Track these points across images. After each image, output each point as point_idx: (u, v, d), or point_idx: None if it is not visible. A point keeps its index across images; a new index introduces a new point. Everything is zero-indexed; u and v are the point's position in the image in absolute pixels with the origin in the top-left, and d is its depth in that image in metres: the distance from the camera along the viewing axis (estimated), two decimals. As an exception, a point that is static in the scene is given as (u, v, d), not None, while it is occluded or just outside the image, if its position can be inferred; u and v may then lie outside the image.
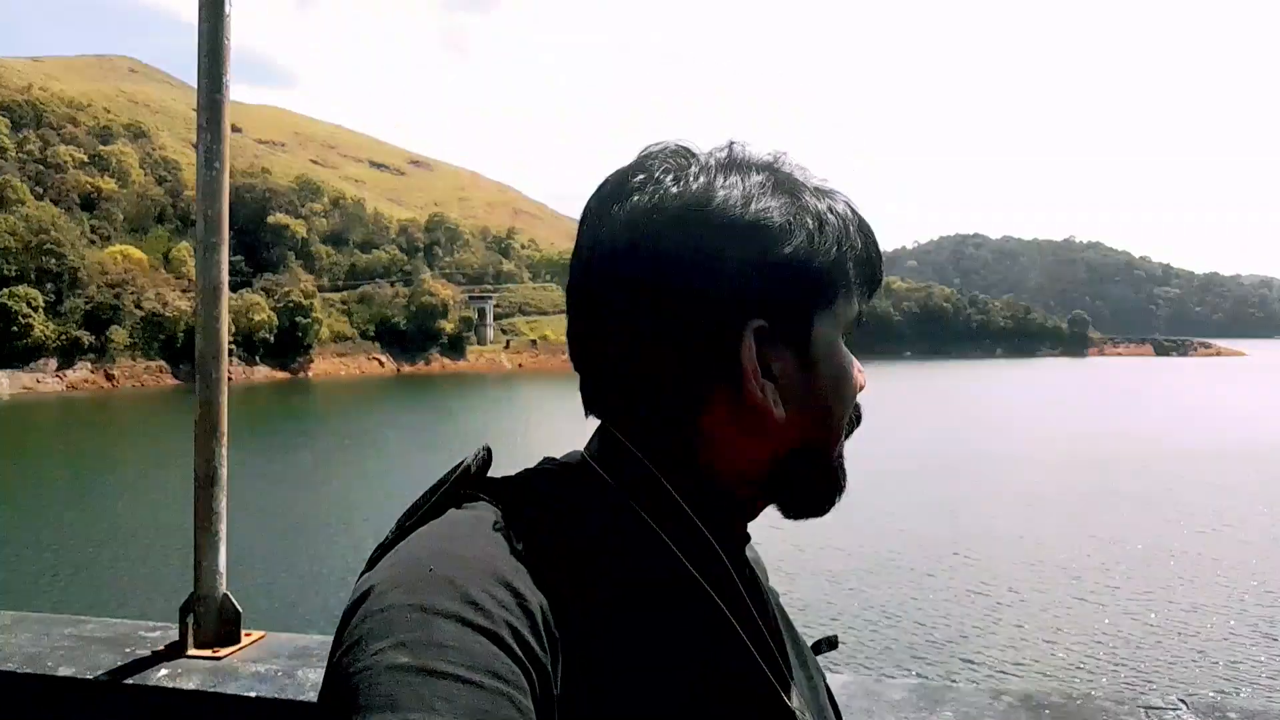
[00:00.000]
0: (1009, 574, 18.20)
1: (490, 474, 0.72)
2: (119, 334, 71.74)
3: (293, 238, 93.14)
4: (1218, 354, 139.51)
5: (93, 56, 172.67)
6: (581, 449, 0.81)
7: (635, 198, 0.77)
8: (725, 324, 0.75)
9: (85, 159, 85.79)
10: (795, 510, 0.82)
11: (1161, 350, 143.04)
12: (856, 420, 0.83)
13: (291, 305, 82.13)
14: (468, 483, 0.75)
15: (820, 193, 0.81)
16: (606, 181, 0.80)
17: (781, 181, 0.79)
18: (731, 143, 0.82)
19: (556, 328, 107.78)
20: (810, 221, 0.78)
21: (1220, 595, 16.74)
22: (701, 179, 0.77)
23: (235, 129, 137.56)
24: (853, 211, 0.82)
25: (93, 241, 79.35)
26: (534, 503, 0.74)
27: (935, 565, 18.72)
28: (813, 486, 0.82)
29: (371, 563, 0.70)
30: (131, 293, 74.35)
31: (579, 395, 0.77)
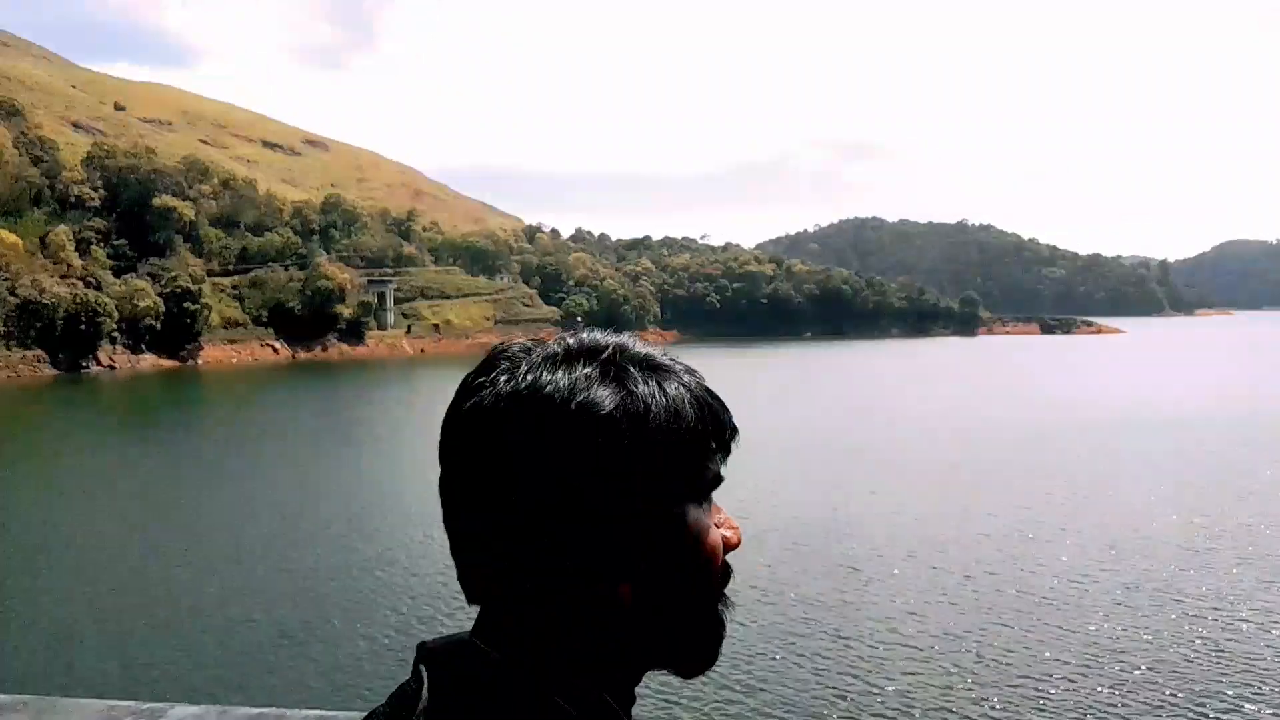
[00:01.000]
0: (884, 548, 18.96)
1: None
2: (-9, 322, 68.19)
3: (180, 220, 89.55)
4: (1099, 332, 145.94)
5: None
6: (469, 634, 0.83)
7: (476, 396, 0.81)
8: (581, 516, 0.78)
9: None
10: (685, 671, 0.86)
11: (1047, 329, 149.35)
12: (725, 576, 0.86)
13: (179, 291, 79.28)
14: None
15: (654, 372, 0.84)
16: (462, 380, 0.84)
17: (610, 370, 0.82)
18: (575, 335, 0.87)
19: (459, 312, 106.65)
20: (637, 406, 0.80)
21: (1072, 562, 17.79)
22: (529, 376, 0.80)
23: (119, 108, 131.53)
24: (687, 388, 0.84)
25: (-39, 225, 75.02)
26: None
27: (813, 539, 19.39)
28: (688, 650, 0.85)
29: None
30: (5, 279, 70.71)
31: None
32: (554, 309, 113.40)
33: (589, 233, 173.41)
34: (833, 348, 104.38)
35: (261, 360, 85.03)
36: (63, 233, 79.58)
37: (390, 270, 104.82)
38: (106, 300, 74.31)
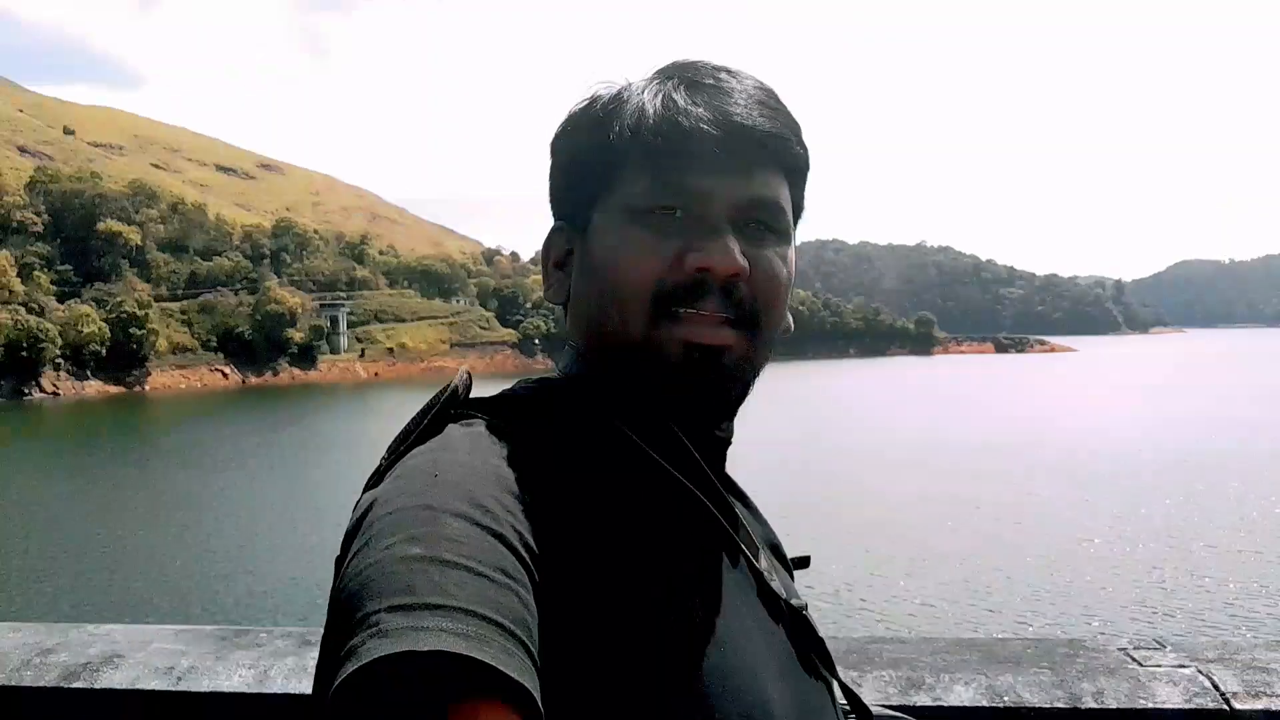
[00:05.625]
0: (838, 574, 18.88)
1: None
2: (-74, 349, 66.80)
3: (126, 245, 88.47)
4: (1051, 350, 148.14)
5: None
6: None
7: None
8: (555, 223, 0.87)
9: (-112, 162, 79.45)
10: (664, 404, 0.82)
11: (1001, 348, 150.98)
12: (690, 292, 0.79)
13: (125, 316, 78.11)
14: (457, 403, 0.78)
15: (652, 80, 0.82)
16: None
17: (653, 76, 0.83)
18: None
19: (414, 335, 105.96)
20: (596, 109, 0.81)
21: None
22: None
23: (68, 131, 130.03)
24: (659, 91, 0.80)
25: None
26: (521, 414, 0.78)
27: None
28: (635, 377, 0.81)
29: (369, 487, 0.72)
30: (-57, 306, 69.45)
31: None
32: (511, 331, 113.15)
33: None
34: (792, 367, 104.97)
35: (211, 385, 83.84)
36: (4, 258, 78.27)
37: (343, 294, 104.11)
38: (50, 326, 73.05)
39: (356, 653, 0.56)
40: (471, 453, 0.71)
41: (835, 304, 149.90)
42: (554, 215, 0.86)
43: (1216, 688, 1.50)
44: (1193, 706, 1.47)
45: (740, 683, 0.71)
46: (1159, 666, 1.57)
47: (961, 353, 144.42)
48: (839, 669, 0.87)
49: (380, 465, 0.74)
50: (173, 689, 1.56)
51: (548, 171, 0.86)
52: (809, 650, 0.83)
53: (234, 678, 1.58)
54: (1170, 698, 1.48)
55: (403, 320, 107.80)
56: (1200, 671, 1.54)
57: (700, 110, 0.78)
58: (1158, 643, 1.66)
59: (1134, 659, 1.59)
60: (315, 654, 1.35)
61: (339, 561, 0.66)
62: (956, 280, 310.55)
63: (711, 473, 0.82)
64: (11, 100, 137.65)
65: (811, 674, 0.82)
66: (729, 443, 0.88)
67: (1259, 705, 1.46)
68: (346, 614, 0.59)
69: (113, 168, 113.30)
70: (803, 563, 0.95)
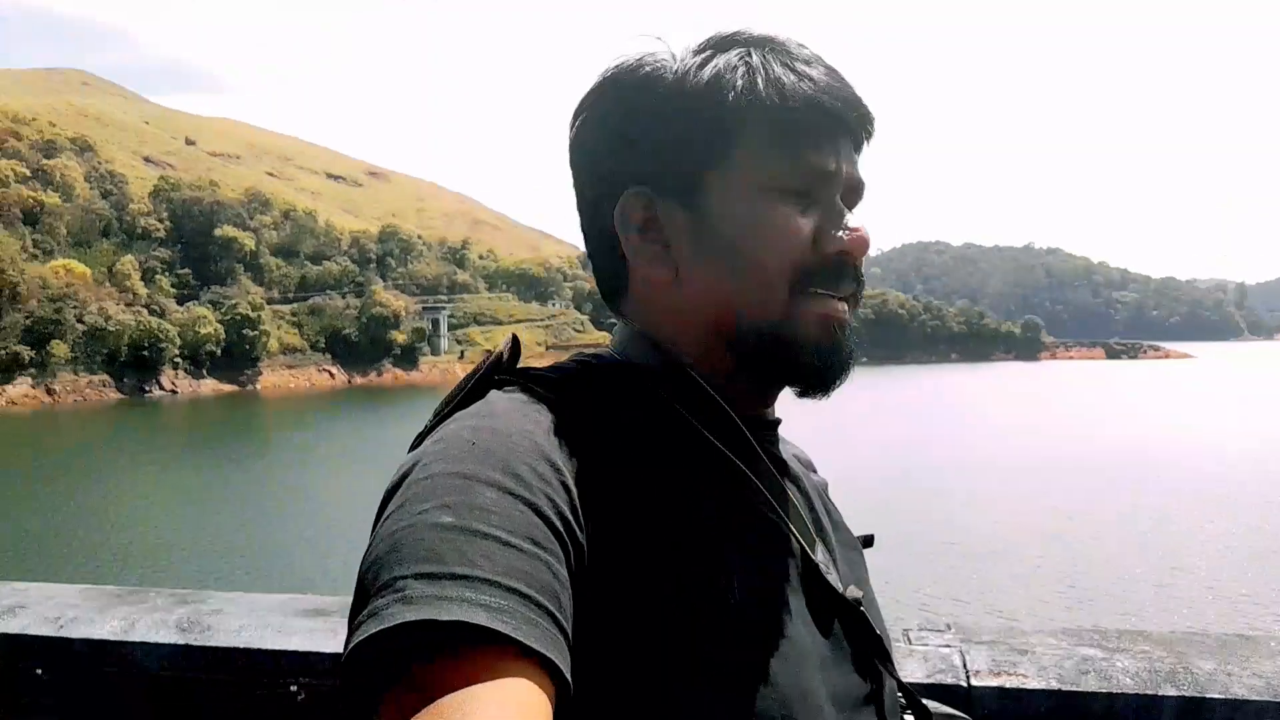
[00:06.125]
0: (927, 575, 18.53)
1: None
2: (60, 348, 70.94)
3: (241, 250, 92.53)
4: (1166, 357, 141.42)
5: (43, 69, 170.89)
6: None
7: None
8: (615, 190, 0.80)
9: (27, 173, 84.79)
10: (786, 382, 0.82)
11: (1113, 354, 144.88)
12: (830, 274, 0.79)
13: (239, 318, 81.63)
14: (502, 370, 0.77)
15: (751, 45, 0.79)
16: None
17: (715, 44, 0.79)
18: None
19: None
20: (693, 75, 0.77)
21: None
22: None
23: (189, 142, 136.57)
24: (768, 60, 0.77)
25: (34, 256, 78.46)
26: (564, 384, 0.76)
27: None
28: (767, 353, 0.79)
29: (414, 447, 0.73)
30: (73, 307, 73.58)
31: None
32: (605, 334, 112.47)
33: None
34: (890, 372, 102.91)
35: (318, 385, 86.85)
36: (129, 262, 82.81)
37: (444, 297, 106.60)
38: (169, 327, 76.91)
39: (380, 615, 0.57)
40: (510, 419, 0.70)
41: (936, 307, 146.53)
42: (619, 181, 0.80)
43: (965, 666, 1.59)
44: (931, 681, 1.55)
45: (778, 670, 0.70)
46: (925, 645, 1.66)
47: (1070, 358, 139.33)
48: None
49: (425, 427, 0.75)
50: (53, 634, 1.85)
51: (612, 136, 0.80)
52: (864, 645, 0.81)
53: (104, 627, 1.85)
54: (914, 673, 1.56)
55: (500, 323, 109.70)
56: (961, 652, 1.63)
57: (834, 85, 0.77)
58: (946, 625, 1.76)
59: (908, 638, 1.69)
60: (183, 611, 1.89)
61: (377, 516, 0.66)
62: (1066, 283, 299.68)
63: (764, 455, 0.80)
64: (139, 112, 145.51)
65: (862, 670, 0.80)
66: (779, 423, 0.87)
67: (995, 683, 1.55)
68: (375, 573, 0.60)
69: (229, 176, 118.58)
70: (866, 543, 0.94)
